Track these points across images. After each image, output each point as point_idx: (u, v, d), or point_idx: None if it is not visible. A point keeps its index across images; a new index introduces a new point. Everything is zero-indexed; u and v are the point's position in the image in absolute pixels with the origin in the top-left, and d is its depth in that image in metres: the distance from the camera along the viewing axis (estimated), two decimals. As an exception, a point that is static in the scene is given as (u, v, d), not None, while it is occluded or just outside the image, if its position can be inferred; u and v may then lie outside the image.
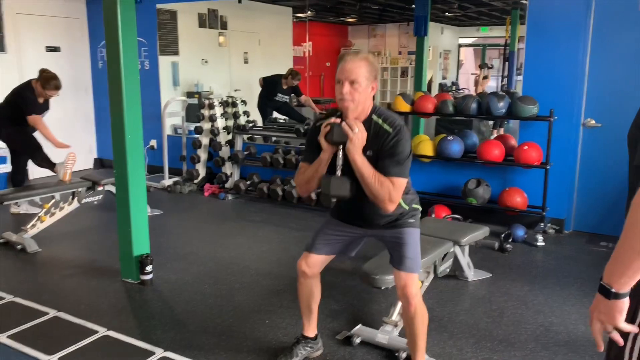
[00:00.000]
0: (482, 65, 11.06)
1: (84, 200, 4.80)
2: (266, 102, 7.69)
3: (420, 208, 2.58)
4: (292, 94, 7.79)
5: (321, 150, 2.35)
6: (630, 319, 1.33)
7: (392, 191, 2.26)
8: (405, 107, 5.18)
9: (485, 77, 10.31)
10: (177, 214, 5.55)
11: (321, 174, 2.37)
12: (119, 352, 2.87)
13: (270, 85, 7.64)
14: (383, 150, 2.29)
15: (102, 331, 3.08)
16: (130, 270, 3.76)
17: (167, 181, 6.57)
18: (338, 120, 2.31)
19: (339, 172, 2.32)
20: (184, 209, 5.80)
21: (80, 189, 4.77)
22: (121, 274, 3.83)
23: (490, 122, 8.34)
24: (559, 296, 3.59)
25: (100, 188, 4.90)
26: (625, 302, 1.26)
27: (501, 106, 4.65)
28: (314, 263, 2.62)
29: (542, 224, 4.65)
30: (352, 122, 2.27)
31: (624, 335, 1.34)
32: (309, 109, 8.37)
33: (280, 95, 7.67)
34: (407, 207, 2.48)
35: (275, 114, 7.76)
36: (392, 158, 2.27)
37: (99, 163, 7.94)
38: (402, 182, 2.30)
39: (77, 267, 4.06)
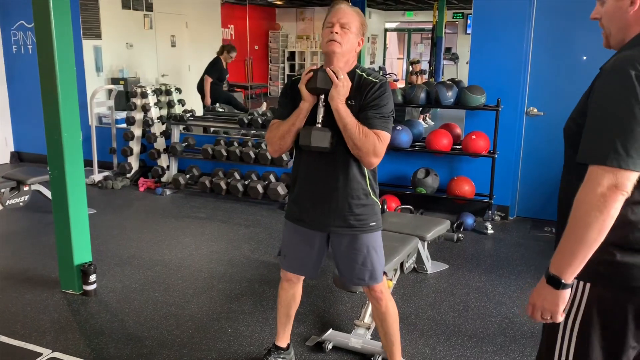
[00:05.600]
0: (414, 62, 11.30)
1: (7, 202, 4.35)
2: (218, 91, 7.41)
3: (379, 203, 2.40)
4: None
5: (297, 106, 2.17)
6: (571, 305, 1.46)
7: (377, 143, 2.08)
8: (353, 96, 5.06)
9: (422, 72, 10.52)
10: (113, 213, 5.17)
11: (299, 126, 2.17)
12: (70, 377, 2.60)
13: (218, 70, 7.36)
14: (367, 101, 2.13)
15: (46, 353, 2.77)
16: (71, 281, 3.42)
17: (97, 176, 6.12)
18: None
19: (319, 124, 2.13)
20: (119, 206, 5.42)
21: (3, 190, 4.32)
22: (61, 285, 3.48)
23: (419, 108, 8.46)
24: (516, 286, 3.65)
25: (26, 188, 4.46)
26: (568, 292, 1.40)
27: (450, 96, 4.66)
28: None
29: (490, 211, 4.73)
30: (337, 68, 2.10)
31: (556, 325, 1.47)
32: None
33: (227, 76, 7.49)
34: (370, 191, 2.27)
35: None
36: (377, 110, 2.12)
37: (17, 157, 7.28)
38: (387, 136, 2.13)
39: (7, 279, 3.65)
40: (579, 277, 1.40)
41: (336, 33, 2.10)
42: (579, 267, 1.35)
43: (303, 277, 2.54)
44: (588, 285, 1.43)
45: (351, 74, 2.17)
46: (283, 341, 2.65)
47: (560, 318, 1.43)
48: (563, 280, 1.36)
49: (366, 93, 2.14)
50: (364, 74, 2.19)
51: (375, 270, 2.32)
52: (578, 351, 1.47)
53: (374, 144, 2.08)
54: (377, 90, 2.13)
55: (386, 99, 2.15)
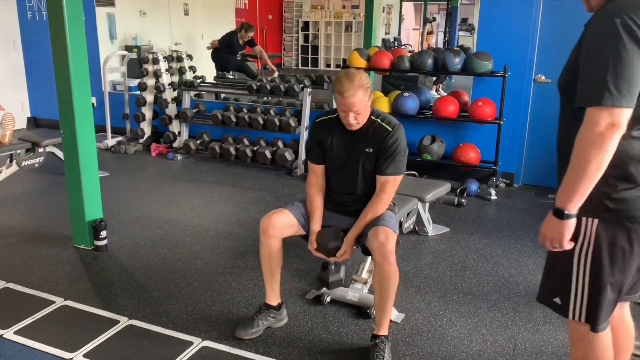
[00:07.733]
0: (427, 20, 11.10)
1: (23, 163, 4.49)
2: (230, 60, 7.43)
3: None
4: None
5: (324, 147, 2.60)
6: (574, 235, 1.59)
7: (388, 195, 2.54)
8: (361, 62, 5.10)
9: (430, 32, 10.34)
10: (125, 176, 5.31)
11: None
12: (81, 322, 2.73)
13: (230, 44, 7.36)
14: (383, 149, 2.49)
15: (59, 301, 2.92)
16: (83, 236, 3.57)
17: (110, 141, 6.26)
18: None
19: (332, 267, 2.70)
20: (131, 170, 5.55)
21: (19, 151, 4.46)
22: (73, 240, 3.63)
23: (433, 78, 8.40)
24: (515, 248, 3.72)
25: (40, 149, 4.59)
26: (573, 222, 1.53)
27: (457, 62, 4.66)
28: (279, 223, 2.54)
29: (494, 178, 4.77)
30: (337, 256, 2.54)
31: (570, 252, 1.61)
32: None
33: (240, 52, 7.48)
34: None
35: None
36: (391, 159, 2.49)
37: (33, 122, 7.44)
38: (398, 180, 2.55)
39: (22, 234, 3.82)
40: (586, 214, 1.56)
41: (354, 120, 2.45)
42: (580, 199, 1.49)
43: (280, 235, 2.57)
44: (595, 220, 1.57)
45: (368, 122, 2.53)
46: (273, 299, 2.67)
47: (568, 246, 1.56)
48: (566, 212, 1.51)
49: (382, 140, 2.49)
50: (378, 120, 2.53)
51: (390, 222, 2.54)
52: (592, 281, 1.62)
53: (387, 202, 2.56)
54: (391, 138, 2.49)
55: (399, 147, 2.51)
